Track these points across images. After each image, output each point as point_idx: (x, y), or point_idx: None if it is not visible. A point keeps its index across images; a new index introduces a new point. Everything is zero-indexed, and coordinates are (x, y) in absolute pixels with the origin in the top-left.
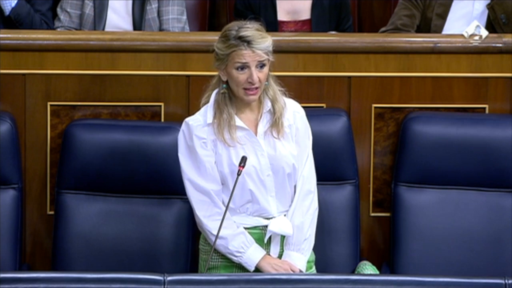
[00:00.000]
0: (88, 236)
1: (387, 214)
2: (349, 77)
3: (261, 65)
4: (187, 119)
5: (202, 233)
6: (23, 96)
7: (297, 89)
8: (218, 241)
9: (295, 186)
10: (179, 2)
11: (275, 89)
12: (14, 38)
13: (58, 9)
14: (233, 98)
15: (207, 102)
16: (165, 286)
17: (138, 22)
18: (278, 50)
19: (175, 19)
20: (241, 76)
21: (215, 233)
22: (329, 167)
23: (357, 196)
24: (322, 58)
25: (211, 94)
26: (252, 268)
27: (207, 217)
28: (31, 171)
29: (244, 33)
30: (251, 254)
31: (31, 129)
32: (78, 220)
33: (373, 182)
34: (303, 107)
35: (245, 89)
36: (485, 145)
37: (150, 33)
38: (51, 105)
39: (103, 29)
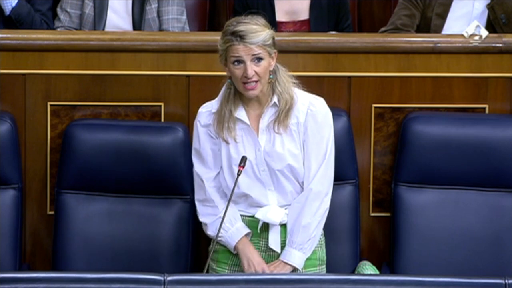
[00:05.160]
0: (88, 236)
1: (387, 214)
2: (349, 77)
3: (258, 59)
4: (201, 106)
5: None
6: (23, 96)
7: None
8: (204, 228)
9: (302, 183)
10: (179, 2)
11: (285, 82)
12: (14, 38)
13: (58, 9)
14: (238, 92)
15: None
16: (165, 286)
17: (138, 22)
18: (278, 50)
19: (175, 19)
20: (237, 71)
21: (200, 219)
22: None
23: (357, 196)
24: (322, 58)
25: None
26: (232, 247)
27: (200, 201)
28: (31, 171)
29: (238, 28)
30: (229, 237)
31: (31, 129)
32: (78, 220)
33: (373, 182)
34: None
35: (243, 84)
36: (485, 145)
37: (150, 33)
38: (51, 105)
39: (103, 29)
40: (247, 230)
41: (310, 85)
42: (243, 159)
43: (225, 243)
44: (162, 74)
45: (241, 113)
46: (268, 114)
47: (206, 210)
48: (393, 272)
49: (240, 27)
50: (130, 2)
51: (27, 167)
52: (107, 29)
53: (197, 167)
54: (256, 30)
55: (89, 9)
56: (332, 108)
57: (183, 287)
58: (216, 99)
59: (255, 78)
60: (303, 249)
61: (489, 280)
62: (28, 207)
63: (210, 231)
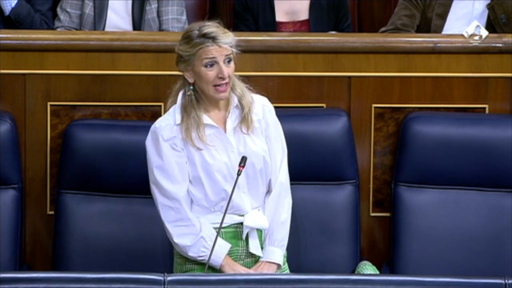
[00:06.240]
0: (88, 236)
1: (387, 214)
2: (349, 77)
3: (228, 60)
4: (155, 123)
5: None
6: (23, 96)
7: (297, 89)
8: (180, 249)
9: (269, 181)
10: (179, 2)
11: (241, 85)
12: (14, 38)
13: (58, 9)
14: (200, 100)
15: (174, 104)
16: (165, 286)
17: (138, 22)
18: (278, 50)
19: (175, 19)
20: (210, 73)
21: (176, 240)
22: (329, 167)
23: (357, 196)
24: (322, 58)
25: (176, 98)
26: (218, 265)
27: (171, 222)
28: (31, 171)
29: (207, 30)
30: (213, 256)
31: (31, 129)
32: (78, 220)
33: (373, 182)
34: (303, 107)
35: (215, 86)
36: (485, 145)
37: (150, 33)
38: (51, 105)
39: (103, 29)
40: (228, 246)
41: (310, 85)
42: (243, 159)
43: (206, 261)
44: (162, 74)
45: (206, 118)
46: (234, 116)
47: (182, 230)
48: (393, 272)
49: (209, 29)
50: (130, 2)
51: (27, 167)
52: (107, 29)
53: (167, 185)
54: (224, 31)
55: (89, 9)
56: (332, 108)
57: (183, 287)
58: (170, 112)
59: (227, 80)
60: (283, 246)
61: (489, 280)
62: (28, 207)
63: (192, 253)
